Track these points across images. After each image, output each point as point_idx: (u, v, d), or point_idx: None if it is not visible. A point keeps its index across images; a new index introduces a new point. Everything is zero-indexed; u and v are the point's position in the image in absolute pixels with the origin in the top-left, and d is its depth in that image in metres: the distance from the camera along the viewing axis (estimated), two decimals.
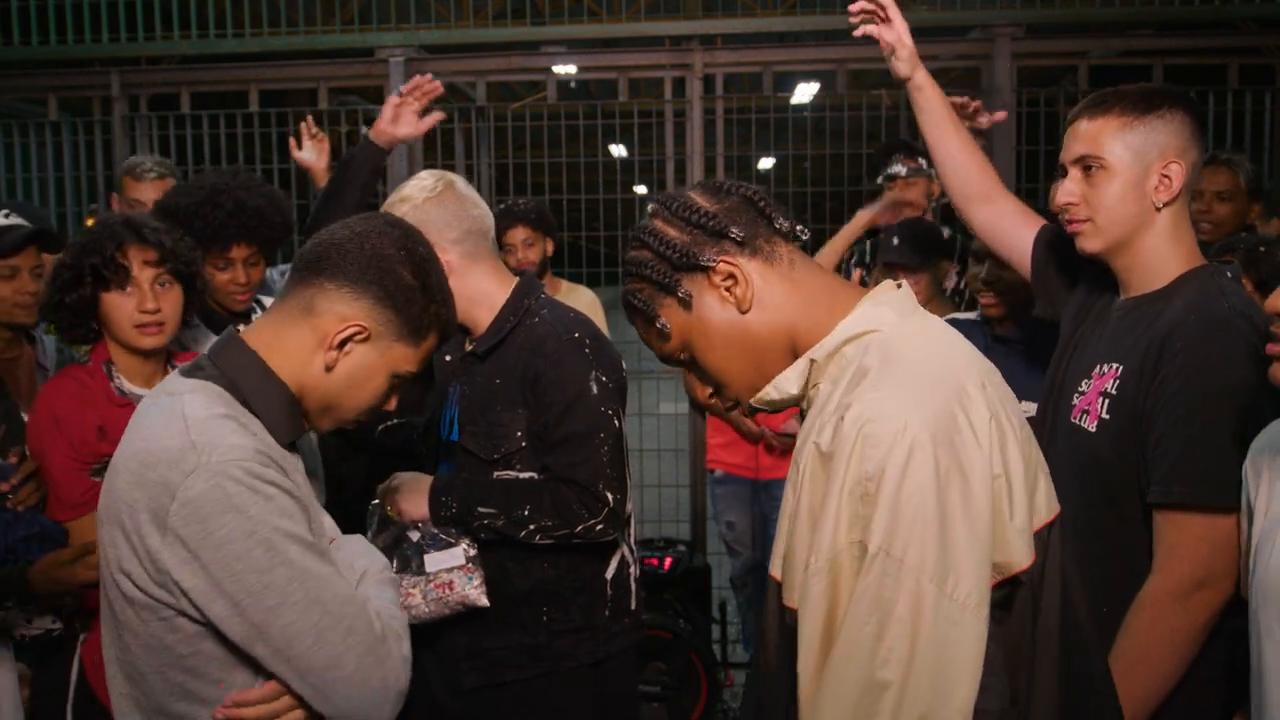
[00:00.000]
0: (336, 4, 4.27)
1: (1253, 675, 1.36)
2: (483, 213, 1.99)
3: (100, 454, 1.86)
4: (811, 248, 3.29)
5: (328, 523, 1.52)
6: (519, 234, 3.48)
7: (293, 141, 3.10)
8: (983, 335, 2.79)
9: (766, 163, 6.05)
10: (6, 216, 2.17)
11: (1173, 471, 1.50)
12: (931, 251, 2.99)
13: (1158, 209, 1.62)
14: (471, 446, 1.98)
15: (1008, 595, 1.04)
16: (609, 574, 2.00)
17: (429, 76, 2.67)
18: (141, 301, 1.90)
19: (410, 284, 1.32)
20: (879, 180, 3.56)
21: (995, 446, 1.03)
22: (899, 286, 1.18)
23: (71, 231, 3.68)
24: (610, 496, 1.88)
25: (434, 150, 4.25)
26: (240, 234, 2.30)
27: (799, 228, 1.19)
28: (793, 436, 3.52)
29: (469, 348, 2.04)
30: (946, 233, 3.26)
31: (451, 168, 4.21)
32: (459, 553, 1.91)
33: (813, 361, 1.14)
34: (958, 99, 2.39)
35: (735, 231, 1.15)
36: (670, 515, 4.14)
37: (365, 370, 1.33)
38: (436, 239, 1.88)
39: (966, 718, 0.97)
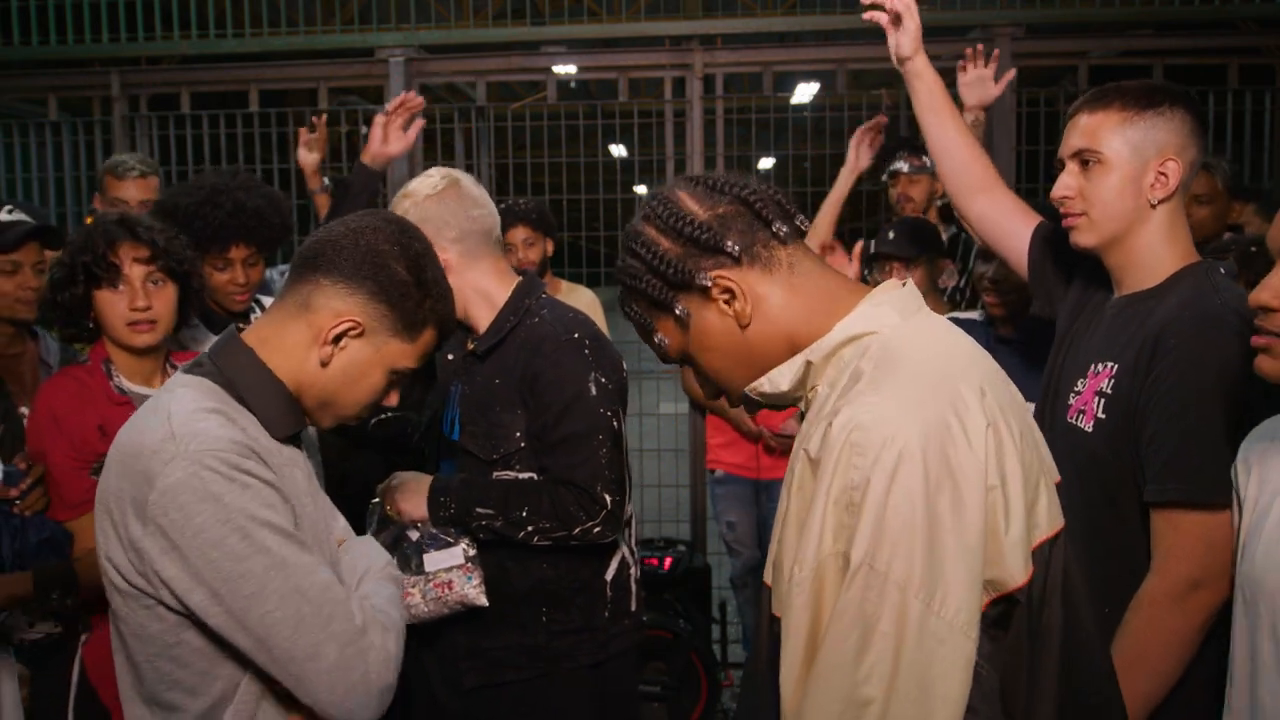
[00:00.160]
0: (336, 4, 4.27)
1: (1234, 664, 1.37)
2: (485, 212, 1.99)
3: (100, 453, 1.86)
4: None
5: (340, 524, 1.54)
6: (519, 234, 3.48)
7: (303, 136, 3.05)
8: (985, 335, 2.80)
9: (766, 163, 6.05)
10: (10, 213, 2.18)
11: (1167, 469, 1.50)
12: (927, 246, 2.99)
13: (1153, 206, 1.62)
14: (471, 446, 1.98)
15: (1004, 613, 1.00)
16: (609, 575, 2.00)
17: (412, 93, 2.70)
18: (133, 299, 1.91)
19: (404, 279, 1.32)
20: (883, 178, 3.57)
21: (991, 456, 0.98)
22: (904, 285, 1.14)
23: (71, 231, 3.68)
24: (608, 499, 1.88)
25: (434, 150, 4.25)
26: (239, 234, 2.31)
27: (798, 220, 1.14)
28: (791, 437, 3.53)
29: (470, 347, 2.04)
30: (951, 232, 3.26)
31: (451, 168, 4.21)
32: (458, 552, 1.91)
33: (809, 363, 1.10)
34: (972, 52, 2.39)
35: (731, 245, 1.09)
36: (670, 515, 4.14)
37: (361, 366, 1.34)
38: (435, 237, 1.90)
39: None
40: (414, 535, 1.94)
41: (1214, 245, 2.23)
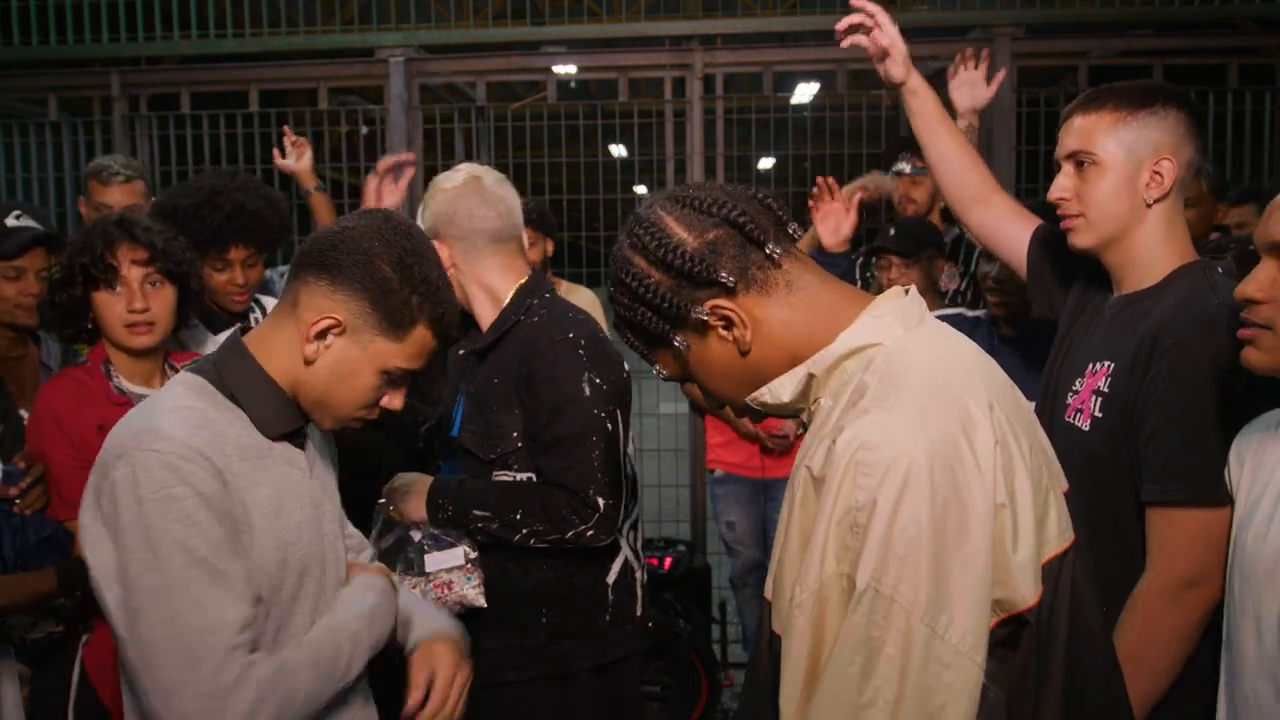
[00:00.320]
0: (336, 4, 4.27)
1: (1223, 650, 1.38)
2: (498, 212, 1.99)
3: None
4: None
5: (353, 535, 1.55)
6: None
7: (276, 152, 3.12)
8: (988, 334, 2.81)
9: (766, 163, 6.06)
10: (17, 218, 2.18)
11: (1166, 469, 1.51)
12: (924, 243, 3.02)
13: (1149, 205, 1.62)
14: (470, 446, 1.98)
15: (1013, 633, 0.98)
16: (610, 579, 1.98)
17: (402, 154, 2.71)
18: (130, 301, 1.91)
19: (387, 276, 1.30)
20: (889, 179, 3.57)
21: (999, 474, 0.96)
22: (906, 292, 1.11)
23: (71, 232, 3.68)
24: (601, 502, 1.86)
25: (434, 150, 4.25)
26: (238, 235, 2.31)
27: (791, 229, 1.11)
28: (787, 437, 3.53)
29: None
30: (953, 234, 3.27)
31: (452, 168, 4.21)
32: (459, 553, 1.92)
33: (811, 375, 1.08)
34: (963, 54, 2.40)
35: (725, 275, 1.05)
36: (670, 515, 4.14)
37: (347, 364, 1.33)
38: (444, 232, 1.96)
39: None
40: (416, 536, 1.95)
41: (1213, 244, 2.23)
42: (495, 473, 1.95)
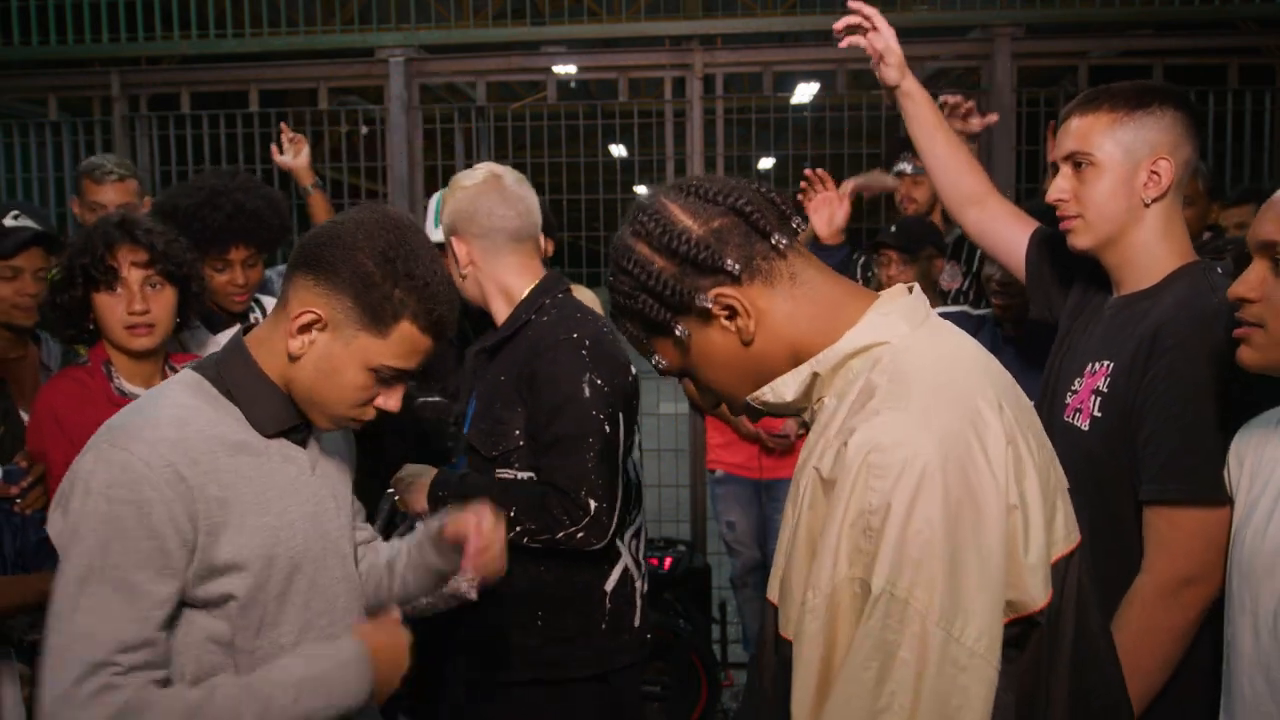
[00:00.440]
0: (336, 4, 4.27)
1: (1224, 650, 1.39)
2: (516, 213, 2.00)
3: None
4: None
5: (364, 528, 1.57)
6: None
7: (275, 149, 3.14)
8: (992, 334, 2.82)
9: (766, 163, 6.06)
10: (15, 218, 2.18)
11: (1165, 468, 1.51)
12: (924, 241, 3.03)
13: (1146, 205, 1.62)
14: (475, 442, 1.99)
15: (1021, 634, 0.97)
16: (609, 586, 1.97)
17: None
18: (130, 303, 1.91)
19: (368, 270, 1.29)
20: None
21: (1011, 475, 0.95)
22: (910, 290, 1.10)
23: (70, 232, 3.68)
24: (592, 505, 1.85)
25: (434, 150, 4.25)
26: (239, 236, 2.31)
27: (795, 223, 1.09)
28: (788, 437, 3.53)
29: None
30: (955, 234, 3.27)
31: (451, 168, 4.21)
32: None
33: (816, 374, 1.06)
34: (951, 98, 2.40)
35: (730, 263, 1.04)
36: (670, 515, 4.14)
37: (331, 360, 1.32)
38: (463, 229, 1.98)
39: None
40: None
41: (1214, 245, 2.23)
42: (498, 470, 1.96)
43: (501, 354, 1.99)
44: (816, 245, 2.97)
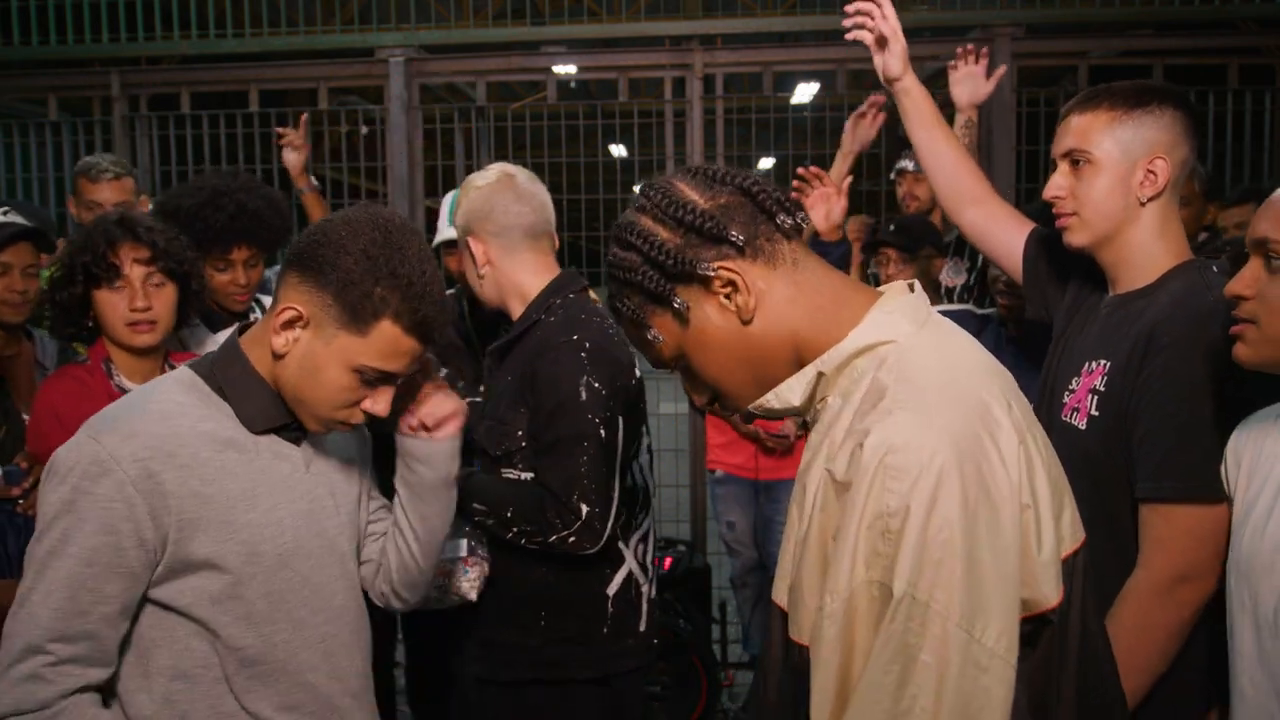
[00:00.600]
0: (336, 4, 4.27)
1: (1229, 646, 1.39)
2: (531, 209, 2.01)
3: None
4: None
5: (377, 519, 1.57)
6: None
7: (286, 136, 3.14)
8: (995, 333, 2.83)
9: (766, 163, 6.05)
10: (5, 214, 2.17)
11: (1160, 465, 1.51)
12: (923, 239, 3.04)
13: (1142, 204, 1.63)
14: (482, 441, 2.01)
15: (1033, 631, 0.97)
16: (611, 590, 1.97)
17: None
18: (132, 299, 1.92)
19: (349, 269, 1.28)
20: (891, 176, 3.57)
21: (1024, 475, 0.95)
22: (911, 288, 1.09)
23: (70, 232, 3.68)
24: (584, 509, 1.84)
25: (434, 150, 4.25)
26: (241, 236, 2.32)
27: (800, 216, 1.07)
28: (787, 437, 3.53)
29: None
30: (954, 233, 3.27)
31: (451, 168, 4.21)
32: (461, 545, 1.95)
33: (821, 374, 1.05)
34: (963, 50, 2.41)
35: (734, 234, 1.03)
36: (670, 515, 4.13)
37: (313, 359, 1.31)
38: (479, 229, 1.99)
39: None
40: None
41: (1211, 245, 2.24)
42: (502, 470, 1.97)
43: (511, 354, 2.00)
44: (816, 241, 2.97)
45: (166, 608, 1.30)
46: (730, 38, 4.33)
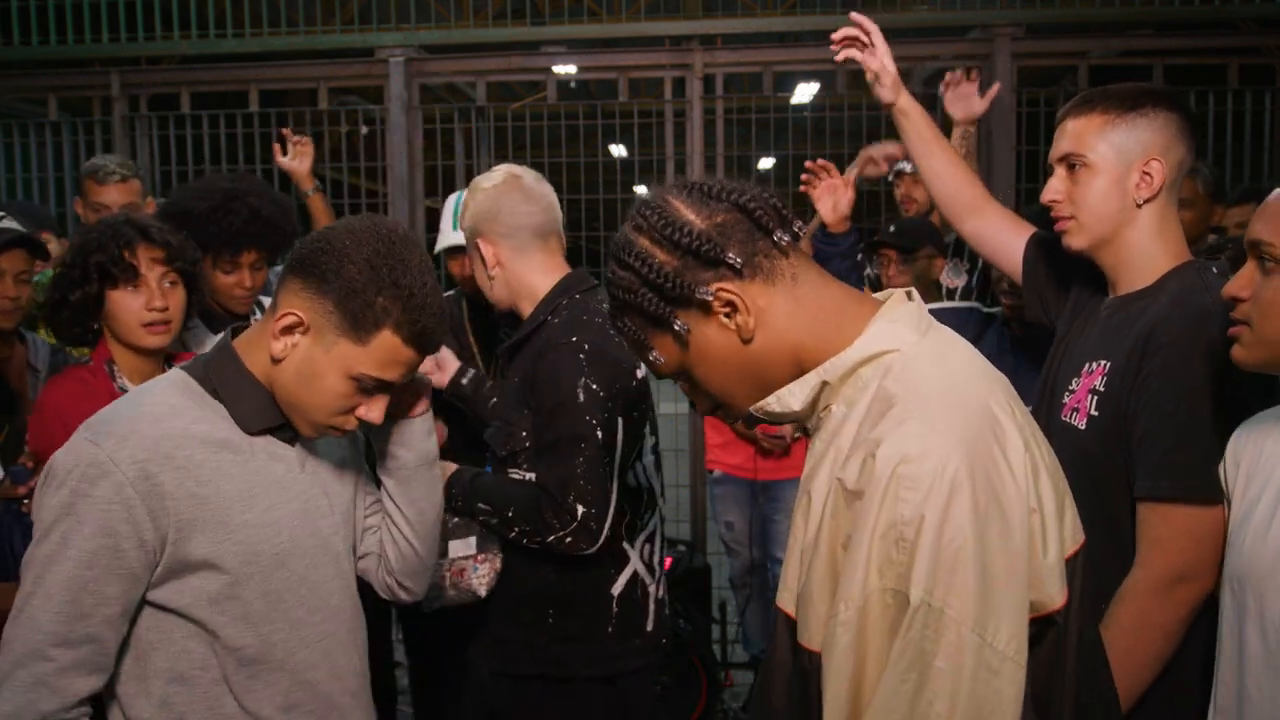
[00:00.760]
0: (336, 4, 4.27)
1: (1220, 661, 1.39)
2: (540, 209, 2.02)
3: None
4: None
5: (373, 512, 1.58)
6: None
7: (277, 148, 3.16)
8: (999, 334, 2.83)
9: (766, 163, 6.05)
10: (0, 219, 2.17)
11: (1158, 465, 1.51)
12: (922, 240, 3.04)
13: (1139, 205, 1.63)
14: (490, 441, 2.03)
15: (1038, 633, 0.99)
16: (615, 590, 1.98)
17: None
18: (150, 300, 1.92)
19: (352, 277, 1.28)
20: (889, 178, 3.57)
21: (1030, 480, 0.98)
22: (910, 297, 1.11)
23: (70, 232, 3.68)
24: (580, 510, 1.85)
25: (434, 150, 4.25)
26: (253, 240, 2.34)
27: (796, 226, 1.08)
28: (783, 438, 3.53)
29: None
30: (954, 234, 3.28)
31: (451, 168, 4.21)
32: (471, 543, 1.98)
33: (825, 383, 1.06)
34: (955, 74, 2.41)
35: (732, 256, 1.03)
36: (670, 515, 4.13)
37: (311, 365, 1.32)
38: (488, 230, 2.00)
39: None
40: (451, 520, 2.01)
41: (1209, 245, 2.24)
42: (509, 470, 2.00)
43: (520, 355, 2.02)
44: (824, 233, 2.99)
45: (164, 609, 1.30)
46: (730, 38, 4.33)
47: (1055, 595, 0.99)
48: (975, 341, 1.24)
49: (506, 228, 1.99)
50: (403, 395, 1.48)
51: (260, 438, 1.38)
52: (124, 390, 1.94)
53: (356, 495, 1.55)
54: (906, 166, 3.44)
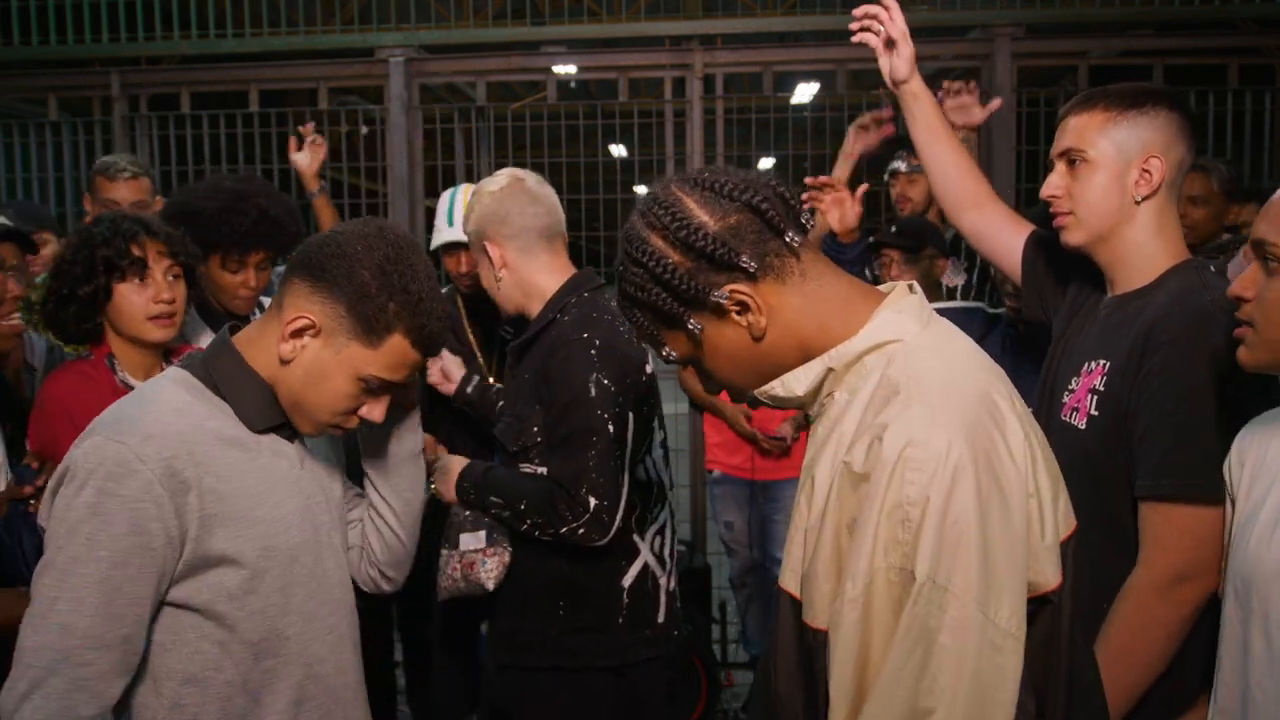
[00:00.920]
0: (336, 4, 4.27)
1: (1221, 662, 1.39)
2: (545, 210, 2.05)
3: None
4: None
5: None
6: None
7: (292, 141, 3.16)
8: (1001, 333, 2.83)
9: (766, 163, 6.05)
10: None
11: (1159, 464, 1.51)
12: (925, 240, 3.04)
13: (1137, 203, 1.64)
14: (501, 437, 2.07)
15: (1034, 612, 1.02)
16: (626, 581, 2.01)
17: None
18: (158, 293, 1.94)
19: (365, 282, 1.31)
20: (884, 177, 3.57)
21: (1028, 466, 1.02)
22: (912, 290, 1.13)
23: (71, 232, 3.68)
24: (592, 502, 1.89)
25: (434, 150, 4.25)
26: (262, 241, 2.35)
27: (805, 220, 1.10)
28: (784, 439, 3.53)
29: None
30: (953, 231, 3.27)
31: (451, 168, 4.21)
32: (482, 536, 2.01)
33: (830, 370, 1.09)
34: (955, 83, 2.41)
35: (746, 261, 1.05)
36: None
37: (320, 367, 1.34)
38: (494, 233, 2.04)
39: None
40: (463, 513, 2.05)
41: (1211, 245, 2.25)
42: (520, 464, 2.03)
43: (529, 352, 2.05)
44: (834, 242, 3.00)
45: (181, 607, 1.30)
46: (730, 38, 4.33)
47: (1052, 575, 1.03)
48: (979, 341, 1.25)
49: (513, 230, 2.03)
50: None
51: (265, 435, 1.39)
52: (125, 384, 1.95)
53: (342, 490, 1.57)
54: (901, 166, 3.44)
